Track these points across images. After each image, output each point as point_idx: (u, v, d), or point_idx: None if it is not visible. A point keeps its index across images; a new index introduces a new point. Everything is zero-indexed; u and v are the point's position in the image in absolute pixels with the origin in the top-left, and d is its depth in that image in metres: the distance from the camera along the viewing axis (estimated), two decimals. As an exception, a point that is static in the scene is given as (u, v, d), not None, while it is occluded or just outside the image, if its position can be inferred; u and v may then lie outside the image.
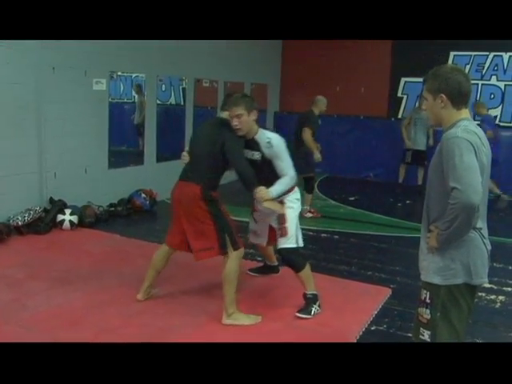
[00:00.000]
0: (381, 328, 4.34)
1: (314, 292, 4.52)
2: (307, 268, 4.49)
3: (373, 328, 4.33)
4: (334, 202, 9.18)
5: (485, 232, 2.76)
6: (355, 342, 4.06)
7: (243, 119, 4.23)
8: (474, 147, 2.55)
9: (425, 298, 2.76)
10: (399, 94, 11.10)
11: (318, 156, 7.74)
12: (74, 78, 6.99)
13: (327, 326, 4.26)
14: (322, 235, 7.04)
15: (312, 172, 7.97)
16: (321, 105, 7.90)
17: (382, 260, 6.05)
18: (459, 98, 2.69)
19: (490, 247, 2.78)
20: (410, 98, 10.69)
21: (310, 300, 4.49)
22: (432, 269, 2.73)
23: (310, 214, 7.95)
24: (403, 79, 11.03)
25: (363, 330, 4.28)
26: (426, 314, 2.75)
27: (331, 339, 4.01)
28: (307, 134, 7.61)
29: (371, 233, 7.28)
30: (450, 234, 2.59)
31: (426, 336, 2.76)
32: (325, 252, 6.26)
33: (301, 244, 4.53)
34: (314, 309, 4.46)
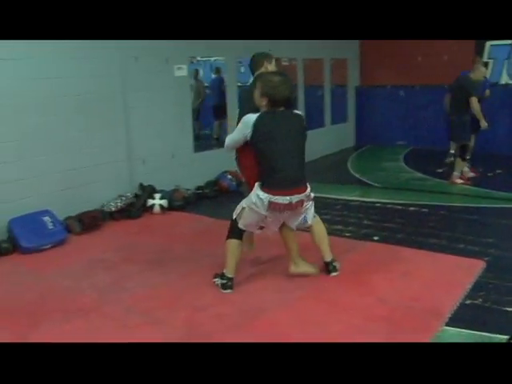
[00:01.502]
0: (476, 302, 4.21)
1: (224, 272, 4.50)
2: (231, 242, 4.54)
3: (467, 302, 4.21)
4: (420, 175, 8.95)
5: None
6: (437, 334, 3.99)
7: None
8: None
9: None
10: (485, 59, 10.64)
11: (485, 124, 7.97)
12: (155, 66, 7.17)
13: (419, 301, 4.18)
14: (410, 208, 6.91)
15: (469, 139, 8.16)
16: (478, 72, 8.08)
17: (474, 232, 5.85)
18: None
19: None
20: (498, 63, 10.21)
21: (217, 275, 4.58)
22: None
23: (460, 181, 8.13)
24: (488, 43, 10.56)
25: (457, 304, 4.18)
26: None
27: (424, 314, 3.96)
28: (476, 104, 7.79)
29: (460, 204, 7.08)
30: None
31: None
32: (413, 225, 6.15)
33: (240, 226, 4.54)
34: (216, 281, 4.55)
